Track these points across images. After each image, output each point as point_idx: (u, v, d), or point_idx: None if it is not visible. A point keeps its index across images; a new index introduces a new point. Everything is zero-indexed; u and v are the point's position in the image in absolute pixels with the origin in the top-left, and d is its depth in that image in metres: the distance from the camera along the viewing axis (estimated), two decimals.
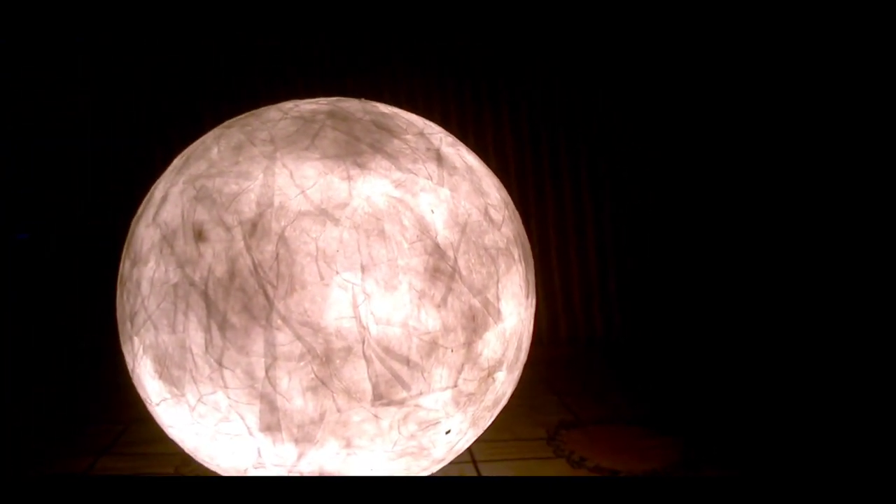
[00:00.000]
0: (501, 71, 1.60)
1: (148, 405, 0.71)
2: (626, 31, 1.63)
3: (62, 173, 1.57)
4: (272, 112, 0.70)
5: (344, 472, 0.66)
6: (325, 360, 0.59)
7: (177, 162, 0.71)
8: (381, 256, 0.60)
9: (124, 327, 0.68)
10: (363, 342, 0.60)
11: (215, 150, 0.66)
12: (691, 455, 1.14)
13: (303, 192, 0.61)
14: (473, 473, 1.04)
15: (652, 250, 1.72)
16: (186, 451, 0.71)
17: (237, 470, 0.67)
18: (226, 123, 0.73)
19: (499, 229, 0.69)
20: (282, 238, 0.59)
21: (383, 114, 0.71)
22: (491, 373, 0.68)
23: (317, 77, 1.51)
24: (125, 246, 0.71)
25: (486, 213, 0.68)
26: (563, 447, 1.19)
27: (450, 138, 0.73)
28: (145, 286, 0.64)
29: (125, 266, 0.68)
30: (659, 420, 1.30)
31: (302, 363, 0.59)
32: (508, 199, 0.75)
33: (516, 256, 0.70)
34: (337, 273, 0.59)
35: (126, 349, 0.69)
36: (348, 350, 0.59)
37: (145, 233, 0.66)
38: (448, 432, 0.68)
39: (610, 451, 1.18)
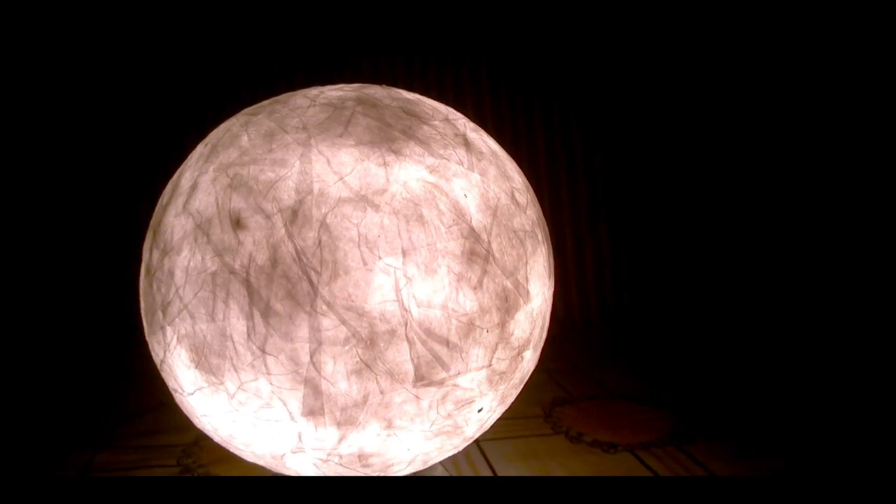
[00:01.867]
0: (499, 53, 1.61)
1: (177, 395, 0.71)
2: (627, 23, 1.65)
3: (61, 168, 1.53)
4: (298, 99, 0.70)
5: (384, 454, 0.67)
6: (370, 344, 0.60)
7: (201, 150, 0.70)
8: (420, 241, 0.62)
9: (154, 318, 0.67)
10: (406, 325, 0.61)
11: (245, 138, 0.66)
12: (681, 427, 1.19)
13: (341, 178, 0.62)
14: (477, 453, 1.07)
15: (653, 235, 1.75)
16: (218, 438, 0.71)
17: (273, 455, 0.68)
18: (248, 111, 0.73)
19: (524, 212, 0.71)
20: (323, 224, 0.60)
21: (408, 100, 0.72)
22: (520, 351, 0.70)
23: (311, 65, 1.50)
24: (150, 236, 0.71)
25: (513, 197, 0.70)
26: (560, 423, 1.23)
27: (471, 124, 0.74)
28: (179, 276, 0.64)
29: (153, 256, 0.68)
30: (648, 395, 1.35)
31: (347, 347, 0.60)
32: (527, 182, 0.76)
33: (540, 238, 0.72)
34: (379, 258, 0.60)
35: (155, 340, 0.68)
36: (392, 333, 0.60)
37: (175, 222, 0.66)
38: (480, 410, 0.69)
39: (605, 426, 1.22)
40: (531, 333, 0.71)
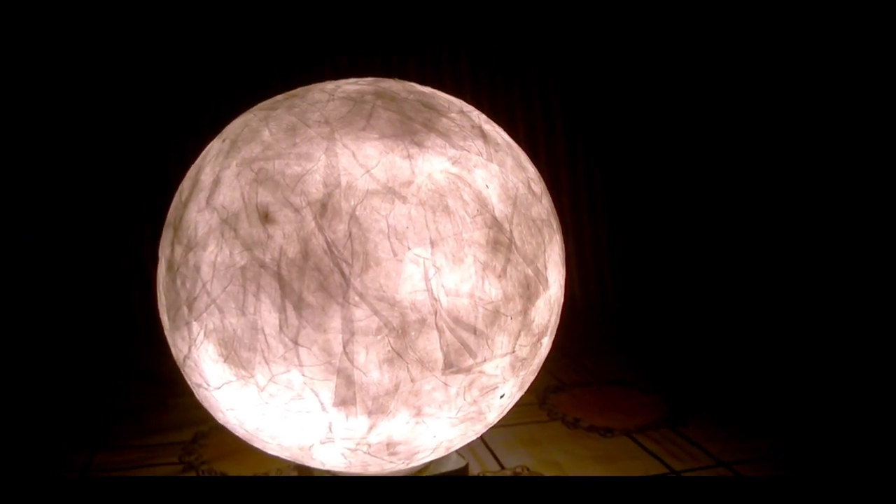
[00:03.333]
0: (491, 42, 1.62)
1: (200, 391, 0.71)
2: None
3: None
4: (315, 93, 0.70)
5: (411, 441, 0.68)
6: (401, 333, 0.61)
7: (219, 145, 0.71)
8: (447, 231, 0.63)
9: (178, 313, 0.67)
10: (435, 314, 0.62)
11: (266, 133, 0.67)
12: (674, 411, 1.22)
13: (368, 171, 0.63)
14: (479, 442, 1.09)
15: (641, 225, 1.78)
16: (242, 432, 0.72)
17: (301, 447, 0.69)
18: (264, 105, 0.73)
19: (540, 201, 0.72)
20: (353, 217, 0.61)
21: (424, 93, 0.73)
22: (539, 338, 0.72)
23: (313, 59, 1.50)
24: (169, 232, 0.71)
25: (529, 187, 0.72)
26: (556, 410, 1.25)
27: (483, 116, 0.76)
28: (206, 270, 0.64)
29: (175, 252, 0.68)
30: (637, 380, 1.38)
31: (379, 336, 0.61)
32: (538, 172, 0.78)
33: (554, 227, 0.74)
34: (409, 249, 0.61)
35: (179, 336, 0.68)
36: (422, 322, 0.62)
37: (199, 217, 0.66)
38: (502, 396, 0.71)
39: (599, 411, 1.25)
40: (549, 320, 0.73)
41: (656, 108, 1.79)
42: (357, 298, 0.60)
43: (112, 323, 1.52)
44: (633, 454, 1.09)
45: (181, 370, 0.73)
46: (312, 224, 0.61)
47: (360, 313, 0.60)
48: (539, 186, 0.74)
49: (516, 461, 1.05)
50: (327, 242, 0.60)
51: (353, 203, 0.61)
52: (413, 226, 0.62)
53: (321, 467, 0.73)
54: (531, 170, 0.74)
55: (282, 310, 0.61)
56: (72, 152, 1.52)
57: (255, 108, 0.74)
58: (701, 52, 1.75)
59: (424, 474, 0.82)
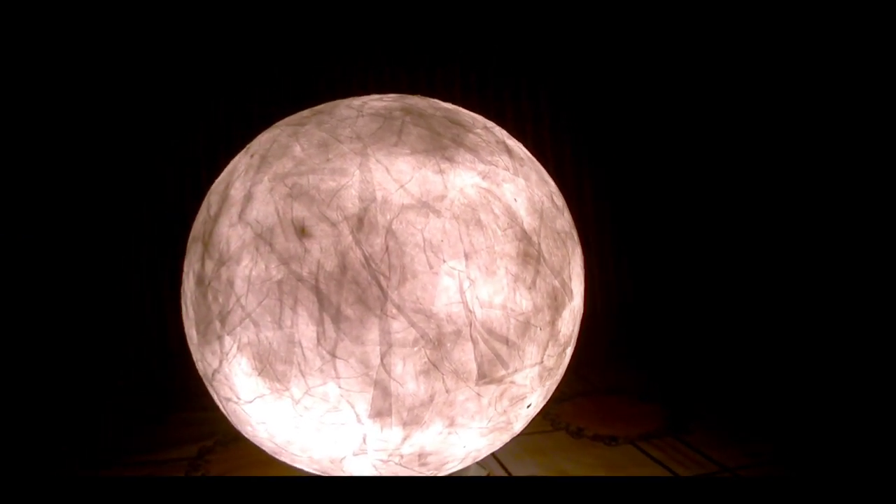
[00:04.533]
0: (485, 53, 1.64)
1: (229, 404, 0.71)
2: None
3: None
4: (343, 109, 0.72)
5: (442, 452, 0.69)
6: (437, 344, 0.62)
7: (247, 160, 0.71)
8: (480, 244, 0.64)
9: (208, 328, 0.68)
10: (470, 325, 0.63)
11: (298, 148, 0.68)
12: (674, 418, 1.25)
13: (402, 186, 0.64)
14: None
15: (639, 235, 1.80)
16: (270, 446, 0.72)
17: (332, 459, 0.69)
18: (290, 121, 0.74)
19: (563, 214, 0.74)
20: (389, 231, 0.62)
21: (448, 109, 0.74)
22: (564, 348, 0.73)
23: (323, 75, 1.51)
24: (197, 247, 0.71)
25: (553, 200, 0.74)
26: (559, 420, 1.27)
27: (504, 131, 0.77)
28: (240, 285, 0.65)
29: (205, 267, 0.68)
30: (636, 389, 1.40)
31: (416, 348, 0.62)
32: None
33: (576, 239, 0.76)
34: (444, 261, 0.63)
35: (209, 350, 0.69)
36: (458, 333, 0.63)
37: (231, 232, 0.67)
38: (529, 406, 0.72)
39: (601, 420, 1.26)
40: (572, 330, 0.74)
41: (661, 117, 1.82)
42: (395, 311, 0.61)
43: (114, 333, 1.51)
44: (639, 462, 1.11)
45: (208, 384, 0.73)
46: (349, 238, 0.62)
47: (398, 325, 0.61)
48: (560, 200, 0.75)
49: (524, 471, 1.06)
50: (365, 256, 0.61)
51: (389, 217, 0.62)
52: (447, 239, 0.63)
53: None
54: (552, 183, 0.76)
55: (319, 322, 0.62)
56: (71, 155, 1.50)
57: (281, 123, 0.75)
58: (707, 56, 1.77)
59: None
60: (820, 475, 1.00)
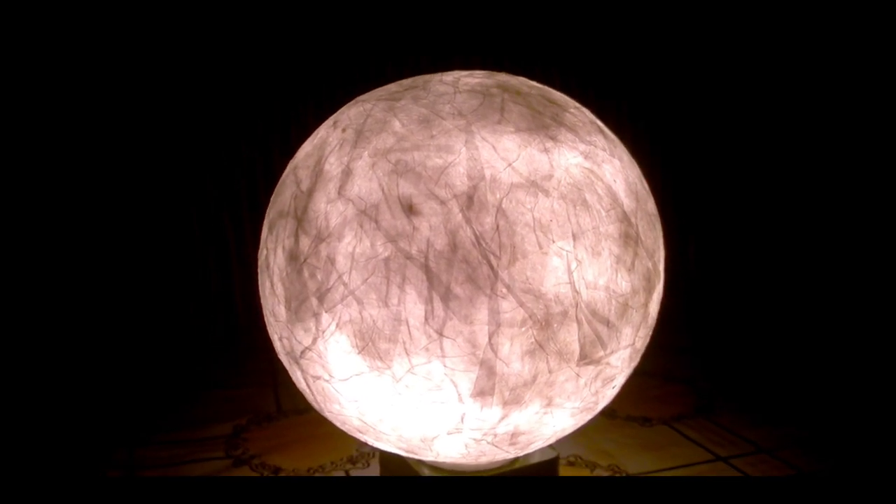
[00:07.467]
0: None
1: (317, 382, 0.70)
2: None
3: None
4: (437, 85, 0.70)
5: (533, 431, 0.69)
6: (545, 325, 0.62)
7: (339, 135, 0.70)
8: (586, 224, 0.64)
9: (303, 305, 0.67)
10: (576, 306, 0.63)
11: (398, 124, 0.66)
12: (705, 399, 1.27)
13: (510, 164, 0.63)
14: None
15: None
16: (355, 423, 0.71)
17: (423, 438, 0.69)
18: (380, 94, 0.72)
19: (650, 197, 0.74)
20: (500, 210, 0.61)
21: (541, 88, 0.74)
22: (651, 330, 0.74)
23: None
24: (289, 223, 0.70)
25: (643, 182, 0.74)
26: None
27: (591, 112, 0.77)
28: (342, 262, 0.64)
29: (300, 244, 0.67)
30: (663, 371, 1.42)
31: (524, 329, 0.62)
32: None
33: (660, 221, 0.76)
34: (553, 241, 0.62)
35: (302, 328, 0.68)
36: (564, 314, 0.63)
37: (331, 208, 0.65)
38: (614, 387, 0.73)
39: (632, 402, 1.28)
40: (656, 312, 0.75)
41: (668, 114, 1.82)
42: (504, 290, 0.61)
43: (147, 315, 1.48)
44: (676, 441, 1.13)
45: (292, 363, 0.72)
46: (459, 216, 0.61)
47: (507, 305, 0.61)
48: (646, 182, 0.75)
49: (568, 451, 1.08)
50: (475, 235, 0.61)
51: (498, 196, 0.62)
52: (556, 219, 0.63)
53: (424, 459, 0.74)
54: (637, 166, 0.76)
55: (428, 301, 0.61)
56: (76, 153, 1.47)
57: (368, 96, 0.73)
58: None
59: (516, 465, 0.83)
60: (851, 456, 1.02)
